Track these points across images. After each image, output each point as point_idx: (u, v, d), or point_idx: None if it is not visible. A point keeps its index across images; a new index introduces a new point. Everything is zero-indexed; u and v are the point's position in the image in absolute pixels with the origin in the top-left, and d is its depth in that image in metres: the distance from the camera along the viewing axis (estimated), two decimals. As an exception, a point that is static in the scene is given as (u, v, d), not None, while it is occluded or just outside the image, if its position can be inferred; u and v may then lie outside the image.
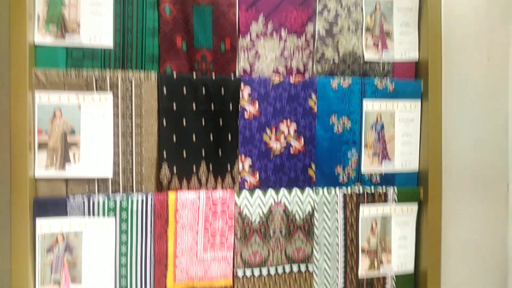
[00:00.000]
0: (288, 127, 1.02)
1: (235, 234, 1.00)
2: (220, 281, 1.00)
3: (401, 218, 1.09)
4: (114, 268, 0.94)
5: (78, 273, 0.93)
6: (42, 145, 0.89)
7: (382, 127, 1.08)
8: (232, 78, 0.99)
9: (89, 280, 0.93)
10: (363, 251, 1.07)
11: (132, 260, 0.95)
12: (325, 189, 1.05)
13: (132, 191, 0.96)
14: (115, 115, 0.93)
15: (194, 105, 0.97)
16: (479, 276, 0.95)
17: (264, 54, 1.02)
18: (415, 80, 1.10)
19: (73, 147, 0.91)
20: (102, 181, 0.94)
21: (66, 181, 0.93)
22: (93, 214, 0.93)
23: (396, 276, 1.09)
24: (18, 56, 0.84)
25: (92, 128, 0.92)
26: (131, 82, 0.93)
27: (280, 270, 1.03)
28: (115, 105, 0.93)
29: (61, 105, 0.90)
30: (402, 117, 1.08)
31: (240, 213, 1.00)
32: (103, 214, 0.93)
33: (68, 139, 0.91)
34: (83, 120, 0.91)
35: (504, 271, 1.04)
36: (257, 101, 1.00)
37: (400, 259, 1.10)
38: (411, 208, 1.09)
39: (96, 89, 0.91)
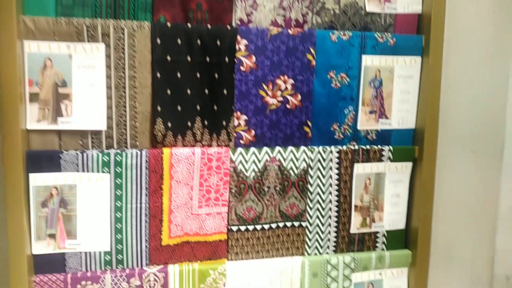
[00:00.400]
0: (285, 82, 1.13)
1: (230, 190, 1.14)
2: (214, 236, 1.15)
3: (395, 176, 1.24)
4: (109, 222, 1.07)
5: (73, 228, 1.05)
6: (33, 97, 0.98)
7: (381, 83, 1.20)
8: (229, 28, 1.08)
9: (84, 234, 1.06)
10: (356, 208, 1.23)
11: (127, 214, 1.08)
12: (320, 147, 1.17)
13: (127, 146, 1.06)
14: (108, 66, 1.02)
15: (189, 56, 1.06)
16: (468, 234, 1.11)
17: (262, 4, 1.11)
18: (417, 35, 1.21)
19: (65, 99, 1.00)
20: (96, 136, 1.04)
21: (59, 135, 1.03)
22: (87, 169, 1.03)
23: (387, 232, 1.26)
24: (6, 3, 0.90)
25: (84, 80, 1.00)
26: (124, 32, 1.01)
27: (274, 226, 1.18)
28: (107, 56, 1.01)
29: (51, 55, 0.97)
30: (401, 74, 1.20)
31: (235, 169, 1.13)
32: (97, 169, 1.04)
33: (60, 91, 0.99)
34: (75, 71, 0.99)
35: (493, 230, 1.21)
36: (253, 54, 1.10)
37: (392, 216, 1.26)
38: (406, 166, 1.24)
39: (88, 39, 0.99)
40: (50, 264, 1.06)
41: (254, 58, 1.11)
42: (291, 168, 1.17)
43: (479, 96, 1.30)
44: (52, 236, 1.04)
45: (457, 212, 1.14)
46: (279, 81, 1.13)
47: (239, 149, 1.13)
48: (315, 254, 1.23)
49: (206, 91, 1.10)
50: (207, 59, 1.08)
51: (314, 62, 1.14)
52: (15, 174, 0.97)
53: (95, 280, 1.08)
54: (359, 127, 1.21)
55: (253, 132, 1.15)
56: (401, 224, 1.27)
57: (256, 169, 1.15)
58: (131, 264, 1.11)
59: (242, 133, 1.14)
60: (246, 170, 1.14)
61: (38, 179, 1.01)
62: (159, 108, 1.06)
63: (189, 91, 1.08)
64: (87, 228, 1.06)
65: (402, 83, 1.22)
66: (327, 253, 1.24)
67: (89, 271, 1.09)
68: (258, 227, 1.18)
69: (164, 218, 1.10)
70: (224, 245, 1.16)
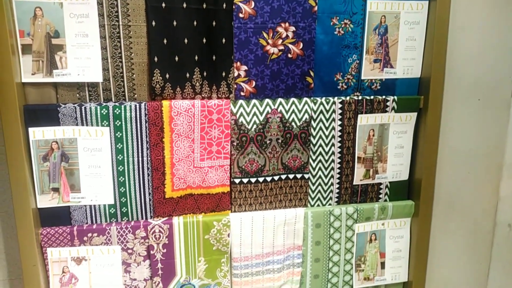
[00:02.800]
0: (286, 30, 1.06)
1: (232, 143, 1.09)
2: (217, 189, 1.12)
3: (399, 127, 1.19)
4: (112, 176, 1.04)
5: (76, 181, 1.03)
6: (26, 48, 0.93)
7: (386, 30, 1.12)
8: (225, -27, 1.00)
9: (88, 188, 1.04)
10: (359, 160, 1.18)
11: (129, 168, 1.05)
12: (323, 98, 1.12)
13: (125, 99, 1.02)
14: (100, 15, 0.95)
15: (184, 3, 0.99)
16: (472, 183, 1.07)
17: None
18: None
19: (59, 51, 0.95)
20: (93, 88, 1.00)
21: (56, 88, 0.98)
22: (86, 123, 0.99)
23: (390, 183, 1.22)
24: None
25: (77, 30, 0.94)
26: (115, -22, 0.94)
27: (276, 178, 1.14)
28: (99, 3, 0.95)
29: (41, 3, 0.91)
30: (407, 20, 1.12)
31: (236, 122, 1.08)
32: (97, 123, 1.00)
33: (53, 42, 0.94)
34: (67, 21, 0.94)
35: (497, 178, 1.16)
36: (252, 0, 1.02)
37: (396, 167, 1.21)
38: (410, 117, 1.18)
39: (78, -14, 0.92)
40: (56, 217, 1.05)
41: (253, 3, 1.03)
42: (293, 120, 1.12)
43: (486, 43, 1.22)
44: (56, 190, 1.02)
45: (461, 161, 1.09)
46: (279, 29, 1.06)
47: (240, 101, 1.08)
48: (318, 205, 1.20)
49: (204, 40, 1.03)
50: (204, 5, 1.00)
51: (316, 8, 1.06)
52: (13, 128, 0.94)
53: (101, 232, 1.06)
54: (363, 76, 1.14)
55: (253, 83, 1.09)
56: (404, 175, 1.23)
57: (258, 122, 1.10)
58: (135, 217, 1.09)
59: (242, 84, 1.08)
60: (248, 123, 1.09)
61: (37, 133, 0.98)
62: (155, 59, 1.00)
63: (186, 40, 1.02)
64: (90, 182, 1.04)
65: (408, 29, 1.14)
66: (330, 204, 1.21)
67: (95, 223, 1.07)
68: (261, 179, 1.14)
69: (166, 171, 1.07)
70: (227, 197, 1.13)
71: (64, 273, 1.07)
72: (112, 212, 1.07)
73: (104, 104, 1.00)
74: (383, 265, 1.26)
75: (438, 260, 1.19)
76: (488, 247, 0.98)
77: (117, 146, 1.03)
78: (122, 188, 1.06)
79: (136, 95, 1.03)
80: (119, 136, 1.03)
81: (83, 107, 0.99)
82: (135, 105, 1.01)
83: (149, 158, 1.05)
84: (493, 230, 0.97)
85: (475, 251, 1.03)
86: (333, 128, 1.15)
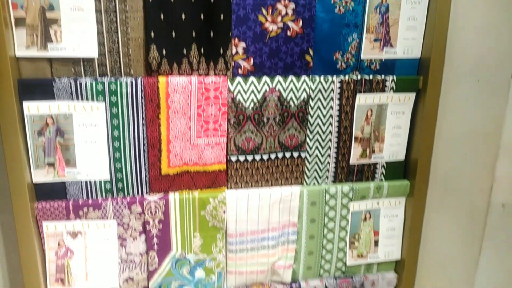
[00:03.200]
0: (285, 7, 1.03)
1: (229, 121, 1.08)
2: (214, 166, 1.12)
3: (398, 107, 1.18)
4: (107, 151, 1.04)
5: (71, 156, 1.02)
6: (19, 22, 0.91)
7: (387, 9, 1.10)
8: None
9: (83, 163, 1.03)
10: (356, 139, 1.18)
11: (125, 144, 1.04)
12: (321, 76, 1.10)
13: (121, 74, 1.00)
14: (96, -13, 0.92)
15: (182, -23, 0.96)
16: (468, 164, 1.07)
17: None
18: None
19: (54, 24, 0.92)
20: (88, 63, 0.98)
21: (50, 63, 0.96)
22: (82, 98, 0.98)
23: (386, 163, 1.22)
24: None
25: (72, 2, 0.92)
26: (111, -51, 0.91)
27: (273, 156, 1.14)
28: (94, -25, 0.92)
29: (33, -26, 0.88)
30: (409, -2, 1.10)
31: (233, 99, 1.07)
32: (92, 98, 0.99)
33: (47, 15, 0.92)
34: (61, -6, 0.91)
35: (493, 158, 1.16)
36: (252, -25, 1.00)
37: (393, 147, 1.21)
38: (409, 97, 1.17)
39: (72, -44, 0.89)
40: (51, 192, 1.05)
41: (252, -22, 1.00)
42: (291, 99, 1.11)
43: (487, 24, 1.20)
44: (51, 165, 1.02)
45: (458, 142, 1.09)
46: (279, 6, 1.04)
47: (238, 79, 1.07)
48: (314, 184, 1.20)
49: (202, 16, 1.01)
50: (202, -20, 0.98)
51: (316, -16, 1.04)
52: (7, 102, 0.93)
53: (96, 206, 1.07)
54: (362, 56, 1.13)
55: (252, 60, 1.07)
56: (401, 155, 1.23)
57: (255, 100, 1.09)
58: (131, 192, 1.10)
59: (240, 62, 1.07)
60: (245, 101, 1.08)
61: (32, 108, 0.97)
62: (152, 34, 0.98)
63: (183, 16, 0.99)
64: (86, 157, 1.03)
65: (409, 8, 1.12)
66: (326, 183, 1.21)
67: (90, 198, 1.07)
68: (257, 157, 1.14)
69: (162, 148, 1.07)
70: (224, 175, 1.14)
71: (60, 246, 1.08)
72: (108, 187, 1.07)
73: (100, 79, 0.99)
74: (376, 243, 1.27)
75: (431, 239, 1.21)
76: (482, 226, 1.00)
77: (113, 122, 1.02)
78: (118, 164, 1.06)
79: (132, 71, 1.01)
80: (114, 112, 1.02)
81: (78, 82, 0.97)
82: (131, 81, 1.00)
83: (145, 135, 1.05)
84: (487, 210, 0.98)
85: (468, 231, 1.05)
86: (331, 108, 1.14)
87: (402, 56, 1.15)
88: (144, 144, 1.05)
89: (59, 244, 1.08)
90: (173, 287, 1.19)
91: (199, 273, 1.19)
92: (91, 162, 1.04)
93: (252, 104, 1.09)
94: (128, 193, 1.09)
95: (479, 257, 1.03)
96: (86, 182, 1.06)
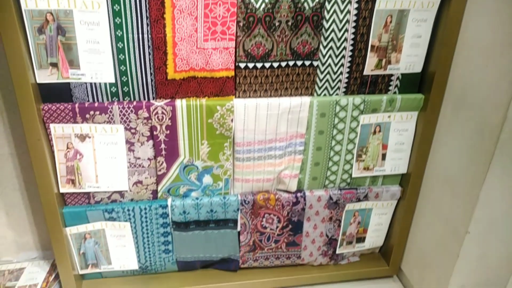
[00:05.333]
0: None
1: (237, 23, 1.02)
2: (221, 73, 1.07)
3: (420, 14, 1.11)
4: (111, 52, 0.99)
5: (74, 57, 0.98)
6: None
7: None
8: None
9: (87, 64, 1.00)
10: (372, 48, 1.11)
11: (130, 45, 0.99)
12: (340, -24, 1.01)
13: (121, -35, 0.92)
14: None
15: None
16: (486, 78, 1.01)
17: None
18: None
19: None
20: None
21: None
22: (81, -8, 0.91)
23: (402, 75, 1.16)
24: None
25: None
26: None
27: (283, 64, 1.09)
28: None
29: None
30: None
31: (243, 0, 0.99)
32: (92, -8, 0.92)
33: None
34: None
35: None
36: None
37: (410, 58, 1.15)
38: (433, 3, 1.09)
39: None
40: (57, 94, 1.03)
41: None
42: (306, 1, 1.02)
43: None
44: (54, 65, 0.98)
45: (479, 54, 1.02)
46: None
47: (248, -24, 0.98)
48: (324, 95, 1.16)
49: None
50: None
51: None
52: (3, -5, 0.86)
53: (103, 110, 1.05)
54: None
55: (264, -46, 0.97)
56: (418, 67, 1.17)
57: (267, 0, 1.01)
58: (138, 97, 1.07)
59: (252, -45, 0.97)
60: (256, 1, 1.00)
61: (30, 2, 0.90)
62: None
63: None
64: (89, 58, 1.00)
65: None
66: (337, 94, 1.17)
67: (96, 102, 1.05)
68: (267, 64, 1.09)
69: (168, 50, 1.02)
70: (232, 82, 1.09)
71: (69, 149, 1.08)
72: (114, 91, 1.05)
73: (99, -29, 0.91)
74: (384, 156, 1.26)
75: (439, 154, 1.19)
76: (493, 142, 0.97)
77: (116, 20, 0.96)
78: (123, 66, 1.02)
79: (133, -37, 0.93)
80: (117, 9, 0.95)
81: (76, -26, 0.90)
82: (133, -26, 0.92)
83: (149, 36, 0.99)
84: (501, 125, 0.94)
85: (478, 147, 1.02)
86: (348, 12, 1.06)
87: (431, -45, 1.03)
88: (149, 46, 1.00)
89: (67, 147, 1.08)
90: (181, 191, 1.22)
91: (207, 179, 1.21)
92: (95, 64, 1.00)
93: (263, 5, 1.01)
94: (134, 98, 1.07)
95: (486, 174, 1.02)
96: (91, 84, 1.03)
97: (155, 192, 1.21)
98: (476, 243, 1.11)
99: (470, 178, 1.07)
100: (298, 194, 1.27)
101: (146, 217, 1.21)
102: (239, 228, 1.29)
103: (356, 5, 1.05)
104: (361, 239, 1.41)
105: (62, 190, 1.13)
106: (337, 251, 1.41)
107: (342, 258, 1.45)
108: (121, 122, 1.07)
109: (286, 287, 1.40)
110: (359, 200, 1.32)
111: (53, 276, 1.26)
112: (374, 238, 1.42)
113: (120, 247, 1.25)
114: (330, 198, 1.29)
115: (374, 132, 1.23)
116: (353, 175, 1.28)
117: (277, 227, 1.31)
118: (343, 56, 1.11)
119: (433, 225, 1.25)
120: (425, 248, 1.29)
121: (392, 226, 1.41)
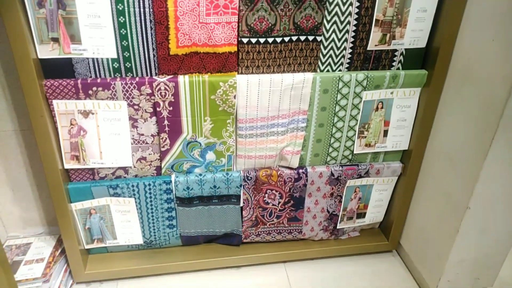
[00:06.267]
0: None
1: (241, -3, 0.99)
2: (224, 48, 1.05)
3: (425, -13, 1.06)
4: (113, 27, 0.97)
5: (76, 31, 0.97)
6: None
7: None
8: None
9: (88, 39, 0.99)
10: (376, 22, 1.09)
11: (131, 19, 0.98)
12: None
13: None
14: None
15: None
16: (492, 52, 0.99)
17: None
18: None
19: None
20: None
21: None
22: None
23: (406, 51, 1.15)
24: None
25: None
26: None
27: (286, 39, 1.07)
28: None
29: None
30: None
31: (246, -28, 0.96)
32: (92, -35, 0.89)
33: None
34: None
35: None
36: None
37: (415, 33, 1.13)
38: (439, -24, 1.05)
39: None
40: (59, 70, 1.01)
41: None
42: (310, -26, 1.00)
43: None
44: (56, 40, 0.96)
45: (486, 26, 0.99)
46: None
47: None
48: (327, 71, 1.15)
49: None
50: None
51: None
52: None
53: (106, 86, 1.04)
54: None
55: None
56: (422, 43, 1.15)
57: (270, -27, 0.98)
58: (140, 73, 1.06)
59: None
60: (259, -26, 0.98)
61: (28, -26, 0.88)
62: None
63: None
64: (91, 33, 0.98)
65: None
66: (340, 70, 1.15)
67: (99, 78, 1.04)
68: (270, 39, 1.07)
69: (170, 25, 1.00)
70: (234, 57, 1.08)
71: (72, 125, 1.08)
72: (116, 66, 1.03)
73: None
74: (386, 133, 1.26)
75: (441, 130, 1.18)
76: (497, 117, 0.96)
77: (117, -6, 0.94)
78: (125, 41, 1.00)
79: None
80: (117, -18, 0.93)
81: None
82: None
83: (151, 10, 0.97)
84: (506, 100, 0.93)
85: (482, 122, 1.01)
86: (353, -15, 1.03)
87: None
88: (150, 21, 0.98)
89: (71, 123, 1.08)
90: (184, 168, 1.22)
91: (210, 155, 1.21)
92: (96, 39, 0.98)
93: (266, -21, 0.98)
94: (137, 74, 1.06)
95: (488, 149, 1.01)
96: (93, 60, 1.01)
97: (159, 168, 1.21)
98: (476, 218, 1.12)
99: (472, 153, 1.06)
100: (300, 171, 1.27)
101: (150, 193, 1.21)
102: (241, 204, 1.29)
103: (361, -22, 1.02)
104: (361, 215, 1.42)
105: (66, 166, 1.13)
106: (338, 226, 1.42)
107: (342, 233, 1.46)
108: (124, 98, 1.06)
109: (287, 261, 1.42)
110: (360, 176, 1.32)
111: (59, 251, 1.28)
112: (375, 213, 1.43)
113: (125, 222, 1.26)
114: (332, 174, 1.29)
115: (377, 109, 1.22)
116: (355, 152, 1.28)
117: (279, 202, 1.32)
118: (347, 31, 1.09)
119: (433, 200, 1.25)
120: (425, 223, 1.30)
121: (393, 202, 1.42)
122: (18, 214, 1.33)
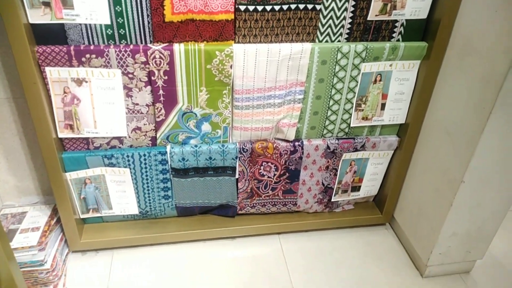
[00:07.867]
0: None
1: (238, -38, 0.95)
2: (221, 15, 1.02)
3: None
4: (105, -9, 0.93)
5: (67, -5, 0.93)
6: None
7: None
8: None
9: (81, 4, 0.95)
10: (377, -8, 1.05)
11: (124, -17, 0.93)
12: None
13: None
14: None
15: None
16: (497, 24, 0.97)
17: None
18: None
19: None
20: None
21: None
22: None
23: (406, 22, 1.12)
24: None
25: None
26: None
27: (285, 7, 1.04)
28: None
29: None
30: None
31: None
32: None
33: None
34: None
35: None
36: None
37: (416, 3, 1.11)
38: None
39: None
40: (51, 36, 0.98)
41: None
42: None
43: None
44: (47, 4, 0.93)
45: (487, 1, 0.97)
46: None
47: None
48: (326, 41, 1.12)
49: None
50: None
51: None
52: None
53: (99, 53, 1.01)
54: None
55: None
56: (423, 13, 1.12)
57: None
58: (134, 40, 1.03)
59: None
60: None
61: None
62: None
63: None
64: (83, -2, 0.94)
65: None
66: (339, 41, 1.13)
67: (92, 44, 1.01)
68: (268, 7, 1.04)
69: (165, -10, 0.96)
70: (231, 26, 1.05)
71: (66, 93, 1.05)
72: (109, 33, 1.00)
73: None
74: (383, 106, 1.24)
75: (439, 103, 1.17)
76: (496, 90, 0.94)
77: (109, -44, 0.90)
78: (118, 7, 0.97)
79: None
80: None
81: None
82: None
83: (145, -26, 0.93)
84: (506, 73, 0.92)
85: (480, 96, 1.00)
86: (354, -48, 0.99)
87: None
88: (145, -15, 0.95)
89: (64, 91, 1.05)
90: (180, 139, 1.21)
91: (206, 127, 1.20)
92: (89, 3, 0.95)
93: None
94: (131, 41, 1.03)
95: (486, 123, 1.00)
96: (86, 26, 0.98)
97: (154, 139, 1.19)
98: (471, 192, 1.12)
99: (469, 127, 1.05)
100: (296, 143, 1.26)
101: (145, 164, 1.20)
102: (237, 176, 1.29)
103: None
104: (356, 188, 1.42)
105: (60, 135, 1.11)
106: (332, 199, 1.42)
107: (337, 206, 1.47)
108: (118, 66, 1.04)
109: (281, 232, 1.43)
110: (356, 149, 1.31)
111: (55, 220, 1.27)
112: (369, 187, 1.43)
113: (120, 192, 1.25)
114: (328, 147, 1.28)
115: (375, 81, 1.20)
116: (352, 125, 1.27)
117: (274, 175, 1.31)
118: (347, 0, 1.06)
119: (428, 174, 1.25)
120: (419, 197, 1.31)
121: (387, 175, 1.42)
122: (13, 183, 1.32)
